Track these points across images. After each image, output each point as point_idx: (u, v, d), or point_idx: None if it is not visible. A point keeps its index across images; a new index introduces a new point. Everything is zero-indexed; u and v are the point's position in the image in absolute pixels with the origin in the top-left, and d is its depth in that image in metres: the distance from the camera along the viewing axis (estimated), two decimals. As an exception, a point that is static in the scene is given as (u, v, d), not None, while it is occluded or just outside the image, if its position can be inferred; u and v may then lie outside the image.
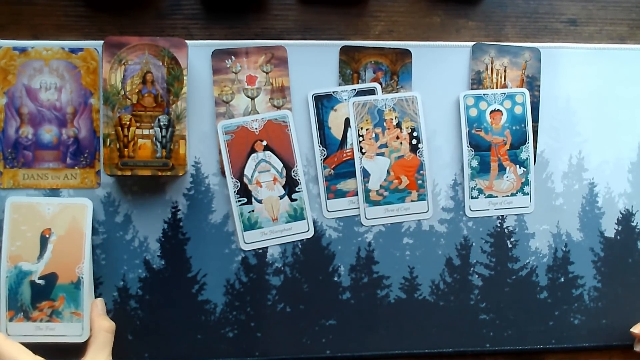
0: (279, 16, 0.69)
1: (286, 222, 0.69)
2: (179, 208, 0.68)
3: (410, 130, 0.69)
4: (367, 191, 0.69)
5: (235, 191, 0.67)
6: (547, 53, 0.71)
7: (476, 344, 0.71)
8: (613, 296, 0.72)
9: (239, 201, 0.67)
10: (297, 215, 0.69)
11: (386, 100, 0.69)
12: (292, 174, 0.68)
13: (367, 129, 0.69)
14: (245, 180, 0.67)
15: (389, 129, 0.69)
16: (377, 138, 0.69)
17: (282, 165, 0.68)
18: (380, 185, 0.69)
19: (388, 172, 0.69)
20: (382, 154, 0.69)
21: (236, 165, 0.67)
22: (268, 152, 0.68)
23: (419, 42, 0.70)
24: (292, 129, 0.68)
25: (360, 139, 0.69)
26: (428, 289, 0.70)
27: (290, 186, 0.68)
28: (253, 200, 0.68)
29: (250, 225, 0.68)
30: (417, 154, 0.70)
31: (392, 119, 0.69)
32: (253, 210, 0.68)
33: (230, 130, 0.67)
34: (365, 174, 0.69)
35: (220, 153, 0.67)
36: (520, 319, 0.71)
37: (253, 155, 0.67)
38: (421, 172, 0.70)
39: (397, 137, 0.69)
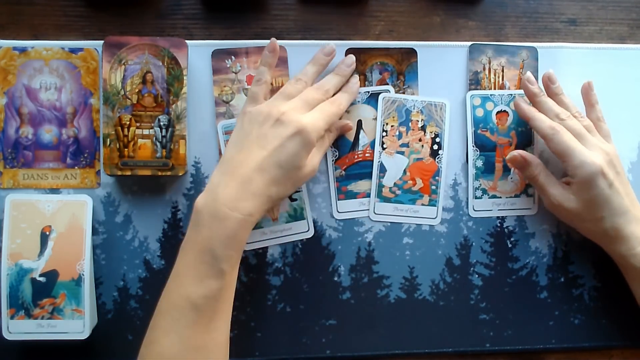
0: (279, 16, 0.69)
1: (286, 222, 0.69)
2: (179, 208, 0.68)
3: (433, 136, 0.70)
4: (380, 186, 0.69)
5: (235, 191, 0.67)
6: (547, 53, 0.71)
7: (476, 344, 0.71)
8: (613, 296, 0.71)
9: (239, 201, 0.67)
10: (297, 215, 0.69)
11: (416, 102, 0.69)
12: None
13: (392, 126, 0.69)
14: (245, 180, 0.67)
15: (413, 129, 0.70)
16: (400, 136, 0.69)
17: None
18: (395, 183, 0.69)
19: (404, 171, 0.70)
20: (402, 153, 0.70)
21: (236, 165, 0.67)
22: None
23: (421, 41, 0.70)
24: None
25: (384, 134, 0.69)
26: (428, 289, 0.70)
27: None
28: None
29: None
30: (436, 160, 0.70)
31: (418, 121, 0.69)
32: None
33: (230, 130, 0.67)
34: (382, 170, 0.69)
35: (220, 153, 0.67)
36: (520, 319, 0.70)
37: (253, 154, 0.67)
38: (437, 178, 0.70)
39: (420, 140, 0.70)
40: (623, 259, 0.65)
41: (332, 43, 0.68)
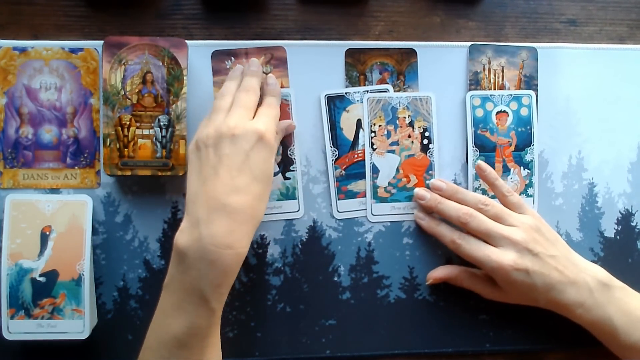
0: (279, 16, 0.69)
1: (277, 200, 0.69)
2: (179, 208, 0.68)
3: (422, 130, 0.70)
4: (375, 187, 0.69)
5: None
6: (547, 53, 0.71)
7: (476, 344, 0.71)
8: (613, 296, 0.71)
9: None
10: (288, 194, 0.69)
11: (400, 99, 0.69)
12: (289, 152, 0.68)
13: (379, 126, 0.69)
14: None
15: (401, 127, 0.70)
16: (389, 135, 0.69)
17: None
18: (389, 183, 0.69)
19: (397, 169, 0.70)
20: (392, 152, 0.70)
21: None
22: None
23: (421, 42, 0.70)
24: (293, 107, 0.68)
25: (372, 134, 0.69)
26: (428, 289, 0.70)
27: (286, 164, 0.69)
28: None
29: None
30: (428, 154, 0.70)
31: (405, 118, 0.69)
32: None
33: None
34: (375, 170, 0.69)
35: None
36: (520, 319, 0.70)
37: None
38: (430, 172, 0.70)
39: (409, 136, 0.70)
40: (576, 321, 0.65)
41: (332, 43, 0.69)
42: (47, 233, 0.63)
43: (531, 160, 0.70)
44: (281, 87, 0.68)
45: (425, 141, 0.70)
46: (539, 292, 0.63)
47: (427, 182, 0.70)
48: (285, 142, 0.68)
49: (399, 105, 0.69)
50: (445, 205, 0.67)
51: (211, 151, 0.57)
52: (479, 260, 0.64)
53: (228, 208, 0.54)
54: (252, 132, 0.56)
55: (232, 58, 0.68)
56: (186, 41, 0.65)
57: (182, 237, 0.55)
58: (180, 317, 0.55)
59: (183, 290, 0.55)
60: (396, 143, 0.70)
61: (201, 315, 0.55)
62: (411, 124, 0.70)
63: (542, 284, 0.63)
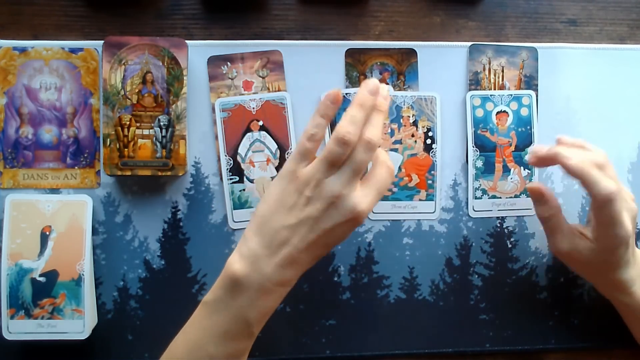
0: (279, 16, 0.69)
1: None
2: (179, 208, 0.68)
3: (425, 130, 0.70)
4: None
5: (227, 169, 0.67)
6: (547, 53, 0.71)
7: (476, 344, 0.71)
8: (613, 296, 0.71)
9: (231, 179, 0.67)
10: None
11: (405, 98, 0.69)
12: (286, 156, 0.68)
13: (383, 123, 0.69)
14: (238, 158, 0.67)
15: (405, 125, 0.70)
16: (392, 133, 0.69)
17: (276, 146, 0.68)
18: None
19: (400, 168, 0.70)
20: (395, 150, 0.70)
21: (231, 143, 0.67)
22: (263, 133, 0.68)
23: (421, 42, 0.70)
24: (289, 110, 0.68)
25: None
26: (428, 289, 0.70)
27: None
28: (245, 179, 0.68)
29: (240, 204, 0.68)
30: (430, 154, 0.70)
31: (409, 117, 0.69)
32: (244, 190, 0.68)
33: (228, 108, 0.67)
34: None
35: (216, 136, 0.67)
36: (520, 319, 0.71)
37: (248, 134, 0.68)
38: (432, 172, 0.70)
39: (412, 135, 0.70)
40: (625, 302, 0.64)
41: (332, 43, 0.69)
42: (47, 233, 0.63)
43: (531, 160, 0.71)
44: (277, 91, 0.68)
45: (429, 141, 0.70)
46: (619, 267, 0.61)
47: (429, 181, 0.70)
48: (283, 145, 0.68)
49: (404, 104, 0.69)
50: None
51: (305, 203, 0.54)
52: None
53: (295, 258, 0.54)
54: (350, 211, 0.53)
55: (228, 63, 0.68)
56: (186, 41, 0.65)
57: (241, 265, 0.54)
58: (219, 337, 0.55)
59: (230, 314, 0.55)
60: (399, 142, 0.70)
61: (242, 339, 0.56)
62: (415, 123, 0.70)
63: (623, 259, 0.61)
